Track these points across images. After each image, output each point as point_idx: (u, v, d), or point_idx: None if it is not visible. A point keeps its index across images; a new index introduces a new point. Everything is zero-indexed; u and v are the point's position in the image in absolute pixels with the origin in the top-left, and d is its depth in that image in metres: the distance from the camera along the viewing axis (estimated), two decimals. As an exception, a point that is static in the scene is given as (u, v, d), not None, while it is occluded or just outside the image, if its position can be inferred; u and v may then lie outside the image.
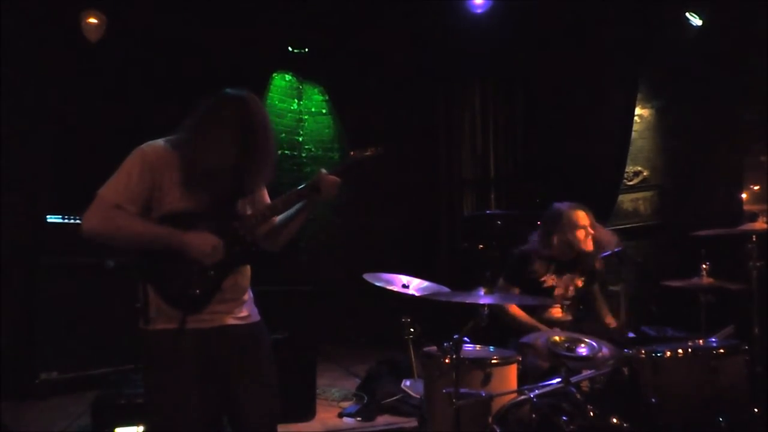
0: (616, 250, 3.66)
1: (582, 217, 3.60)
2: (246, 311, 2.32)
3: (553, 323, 3.59)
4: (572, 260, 3.64)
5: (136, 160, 2.16)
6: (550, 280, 3.64)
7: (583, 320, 3.70)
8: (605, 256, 3.70)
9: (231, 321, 2.26)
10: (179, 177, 2.16)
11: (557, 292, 3.64)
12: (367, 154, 2.42)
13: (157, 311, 2.17)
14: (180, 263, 2.15)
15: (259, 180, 2.32)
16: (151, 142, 2.23)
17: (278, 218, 2.42)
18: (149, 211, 2.17)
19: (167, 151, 2.20)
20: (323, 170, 2.35)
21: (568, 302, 3.68)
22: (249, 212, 2.33)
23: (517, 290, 3.61)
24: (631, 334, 3.53)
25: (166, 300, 2.16)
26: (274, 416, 2.35)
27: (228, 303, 2.25)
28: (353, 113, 7.10)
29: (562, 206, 3.67)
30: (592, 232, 3.60)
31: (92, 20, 5.31)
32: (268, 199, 2.43)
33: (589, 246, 3.58)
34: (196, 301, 2.18)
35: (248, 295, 2.35)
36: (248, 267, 2.35)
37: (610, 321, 3.70)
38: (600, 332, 3.20)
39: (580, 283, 3.68)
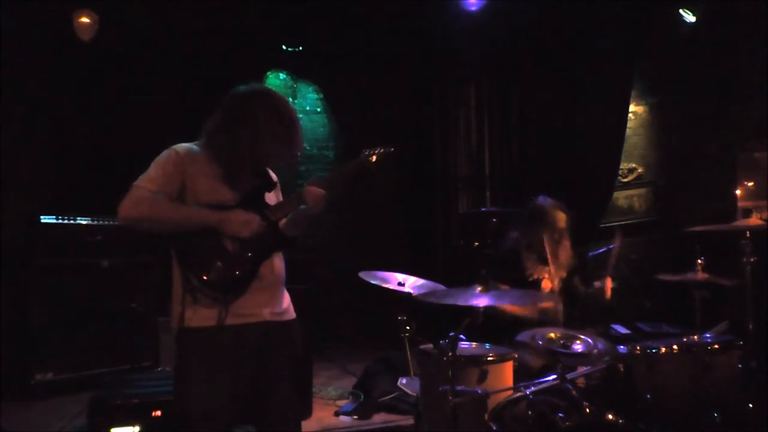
0: (610, 247, 3.68)
1: (562, 219, 3.67)
2: (285, 304, 2.33)
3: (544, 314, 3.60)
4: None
5: (170, 156, 2.22)
6: (537, 273, 3.67)
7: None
8: (599, 253, 3.72)
9: (269, 317, 2.26)
10: (213, 173, 2.21)
11: (545, 284, 3.67)
12: (377, 152, 2.46)
13: (194, 310, 2.15)
14: (218, 245, 2.16)
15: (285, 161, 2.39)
16: (180, 144, 2.28)
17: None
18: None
19: (197, 152, 2.25)
20: (309, 184, 2.37)
21: (556, 293, 3.69)
22: (273, 203, 2.37)
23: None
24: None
25: (207, 284, 2.14)
26: (299, 420, 2.40)
27: (266, 291, 2.25)
28: (348, 112, 7.09)
29: (545, 203, 3.72)
30: (565, 235, 3.67)
31: (84, 19, 5.33)
32: (281, 197, 2.47)
33: (567, 247, 3.65)
34: (237, 284, 2.17)
35: (283, 287, 2.36)
36: (281, 254, 2.35)
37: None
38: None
39: (564, 274, 3.70)
